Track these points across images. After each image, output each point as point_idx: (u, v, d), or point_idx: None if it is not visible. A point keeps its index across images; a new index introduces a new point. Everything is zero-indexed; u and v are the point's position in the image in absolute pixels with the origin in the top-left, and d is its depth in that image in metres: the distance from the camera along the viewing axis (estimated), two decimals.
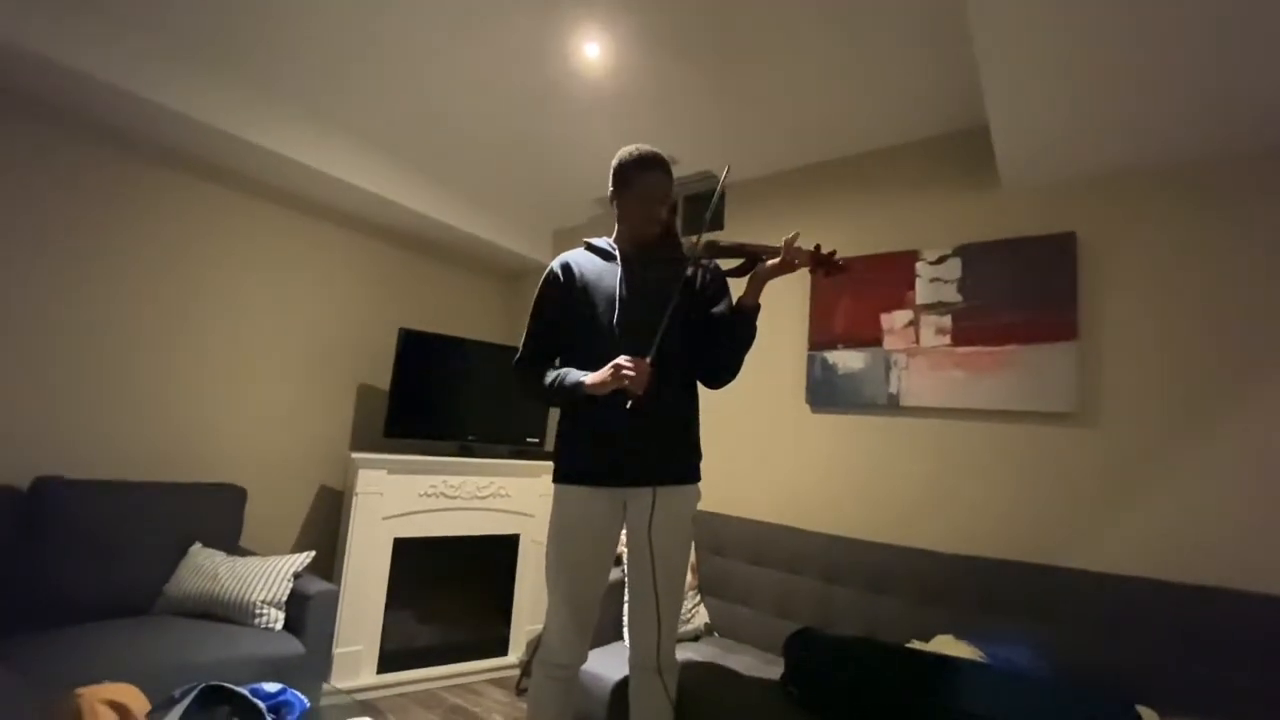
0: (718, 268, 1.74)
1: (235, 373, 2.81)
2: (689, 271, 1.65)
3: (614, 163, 1.66)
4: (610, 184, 1.67)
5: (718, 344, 1.66)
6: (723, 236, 1.64)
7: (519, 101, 2.53)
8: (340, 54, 2.30)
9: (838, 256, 1.63)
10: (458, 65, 2.32)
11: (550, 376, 1.59)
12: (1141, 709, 1.49)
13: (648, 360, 1.46)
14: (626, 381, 1.44)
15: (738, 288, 1.67)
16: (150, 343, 2.56)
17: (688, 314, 1.64)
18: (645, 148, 1.65)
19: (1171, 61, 1.60)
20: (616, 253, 1.69)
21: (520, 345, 1.69)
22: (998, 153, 2.09)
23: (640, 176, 1.62)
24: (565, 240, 3.76)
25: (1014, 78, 1.73)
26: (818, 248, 1.63)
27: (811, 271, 1.65)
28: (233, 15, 2.11)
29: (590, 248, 1.74)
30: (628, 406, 1.47)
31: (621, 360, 1.46)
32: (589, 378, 1.51)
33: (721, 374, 1.70)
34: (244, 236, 2.86)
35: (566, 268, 1.67)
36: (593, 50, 2.18)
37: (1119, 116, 1.85)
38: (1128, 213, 2.09)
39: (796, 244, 1.57)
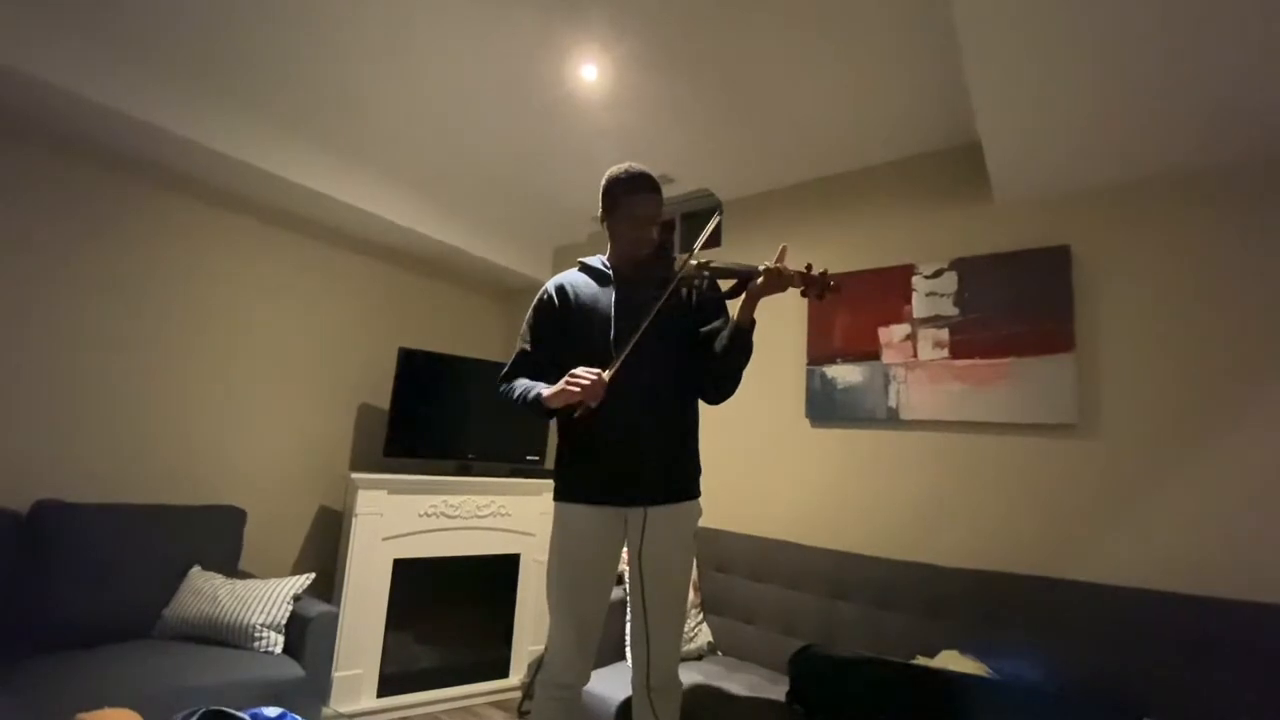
0: (715, 284, 1.72)
1: (234, 393, 2.82)
2: (683, 292, 1.63)
3: (603, 183, 1.66)
4: (600, 205, 1.67)
5: (713, 359, 1.61)
6: (716, 256, 1.60)
7: (518, 122, 2.56)
8: (342, 80, 2.33)
9: (830, 277, 1.52)
10: (457, 87, 2.36)
11: (520, 388, 1.59)
12: None
13: (606, 374, 1.44)
14: (576, 390, 1.43)
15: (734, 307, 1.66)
16: (149, 365, 2.57)
17: (682, 330, 1.63)
18: (634, 167, 1.64)
19: (1161, 75, 1.63)
20: (610, 272, 1.68)
21: (508, 363, 1.69)
22: (990, 168, 2.12)
23: (628, 198, 1.61)
24: (565, 258, 3.80)
25: (1004, 94, 1.76)
26: (808, 267, 1.53)
27: (803, 293, 1.55)
28: (237, 40, 2.15)
29: (584, 268, 1.73)
30: (575, 416, 1.46)
31: (577, 370, 1.46)
32: (547, 391, 1.51)
33: (719, 389, 1.65)
34: (243, 258, 2.88)
35: (561, 290, 1.67)
36: (590, 72, 2.22)
37: (1108, 131, 1.89)
38: (1120, 225, 2.11)
39: (785, 261, 1.50)
